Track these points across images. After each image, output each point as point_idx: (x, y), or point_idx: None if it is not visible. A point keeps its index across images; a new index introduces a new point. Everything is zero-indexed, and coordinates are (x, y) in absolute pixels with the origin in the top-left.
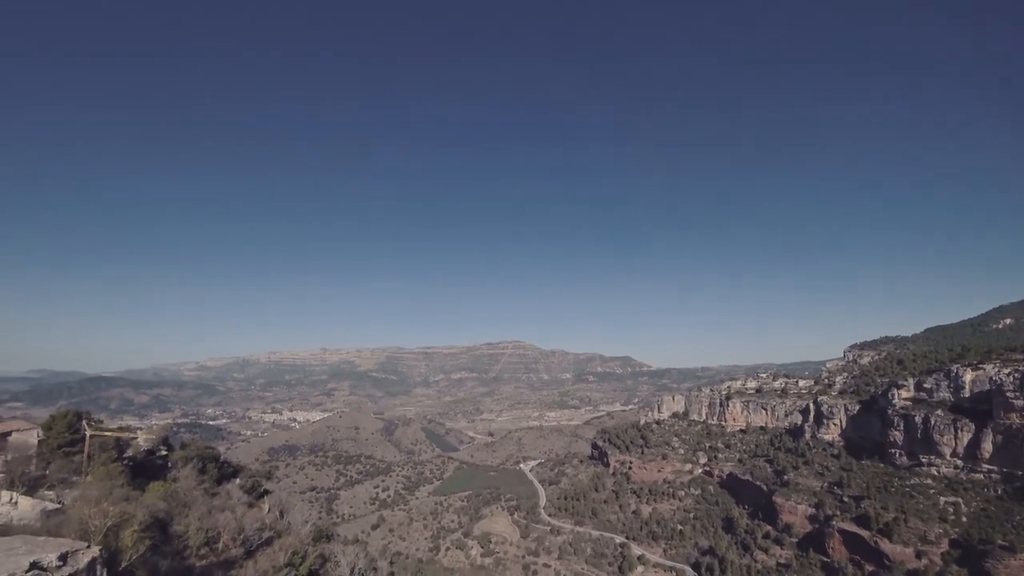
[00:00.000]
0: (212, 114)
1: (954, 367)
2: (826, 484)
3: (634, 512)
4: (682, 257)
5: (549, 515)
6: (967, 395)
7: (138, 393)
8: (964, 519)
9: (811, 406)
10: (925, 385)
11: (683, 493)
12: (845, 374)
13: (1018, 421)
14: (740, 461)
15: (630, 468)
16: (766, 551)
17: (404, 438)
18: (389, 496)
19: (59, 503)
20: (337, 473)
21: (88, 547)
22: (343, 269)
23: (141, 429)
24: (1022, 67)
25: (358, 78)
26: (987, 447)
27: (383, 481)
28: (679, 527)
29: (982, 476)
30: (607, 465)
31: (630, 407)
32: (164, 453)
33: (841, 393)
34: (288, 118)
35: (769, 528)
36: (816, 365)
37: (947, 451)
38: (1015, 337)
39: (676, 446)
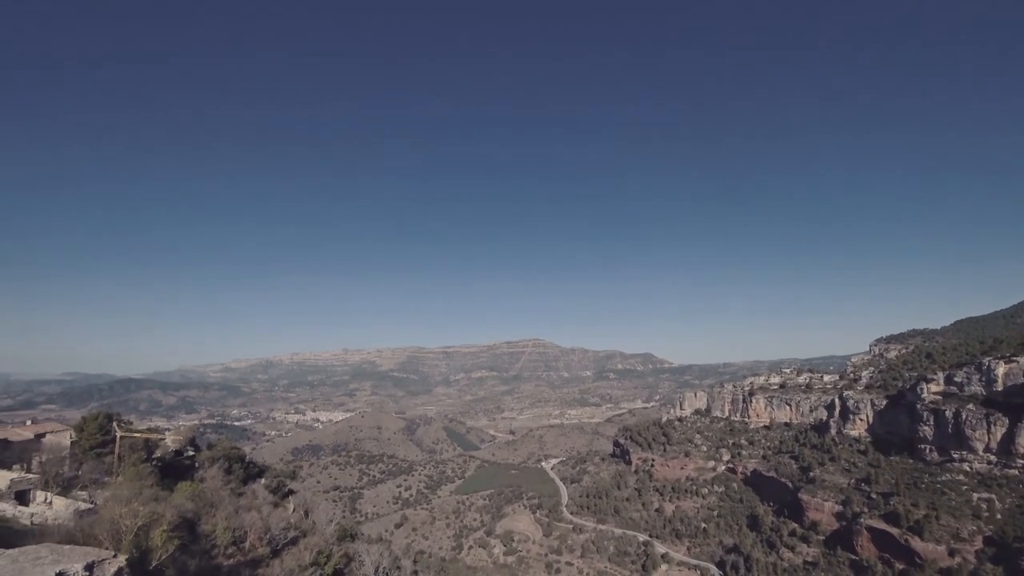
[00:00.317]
0: (237, 117)
1: (986, 360)
2: (853, 481)
3: (657, 510)
4: (703, 253)
5: (571, 513)
6: (1000, 388)
7: (166, 395)
8: (999, 516)
9: (836, 401)
10: (955, 379)
11: (706, 491)
12: (871, 368)
13: None
14: (764, 458)
15: (652, 466)
16: (792, 549)
17: (426, 437)
18: (412, 495)
19: (92, 503)
20: (360, 472)
21: (115, 556)
22: (364, 270)
23: (169, 430)
24: None
25: (359, 78)
26: (1022, 442)
27: (405, 480)
28: (703, 525)
29: (1017, 472)
30: (629, 463)
31: (651, 404)
32: (191, 454)
33: (867, 388)
34: (308, 120)
35: (795, 526)
36: (841, 360)
37: (980, 446)
38: None
39: (699, 443)
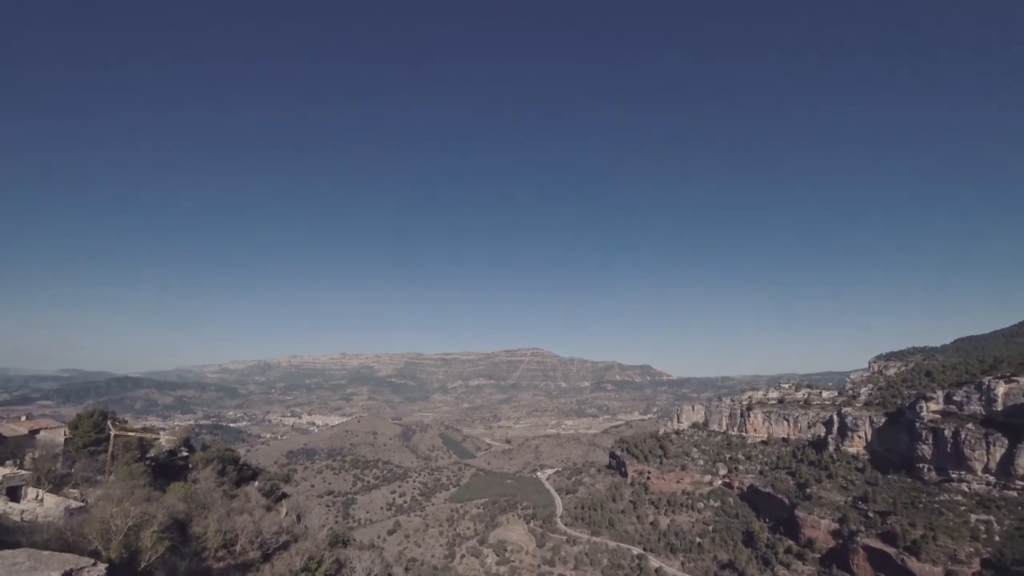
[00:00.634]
0: (238, 119)
1: (986, 379)
2: (850, 498)
3: (652, 523)
4: (704, 265)
5: (566, 524)
6: (1000, 408)
7: (162, 394)
8: (997, 538)
9: (835, 418)
10: (955, 398)
11: (702, 505)
12: (870, 385)
13: None
14: (761, 473)
15: (648, 478)
16: (788, 566)
17: (421, 444)
18: (406, 502)
19: (83, 502)
20: (354, 478)
21: (94, 564)
22: (364, 275)
23: (164, 430)
24: None
25: (359, 82)
26: (1022, 463)
27: (400, 487)
28: (698, 540)
29: (1016, 493)
30: (625, 475)
31: (649, 416)
32: (185, 454)
33: (866, 405)
34: (310, 124)
35: (791, 543)
36: (840, 376)
37: (979, 467)
38: None
39: (695, 457)
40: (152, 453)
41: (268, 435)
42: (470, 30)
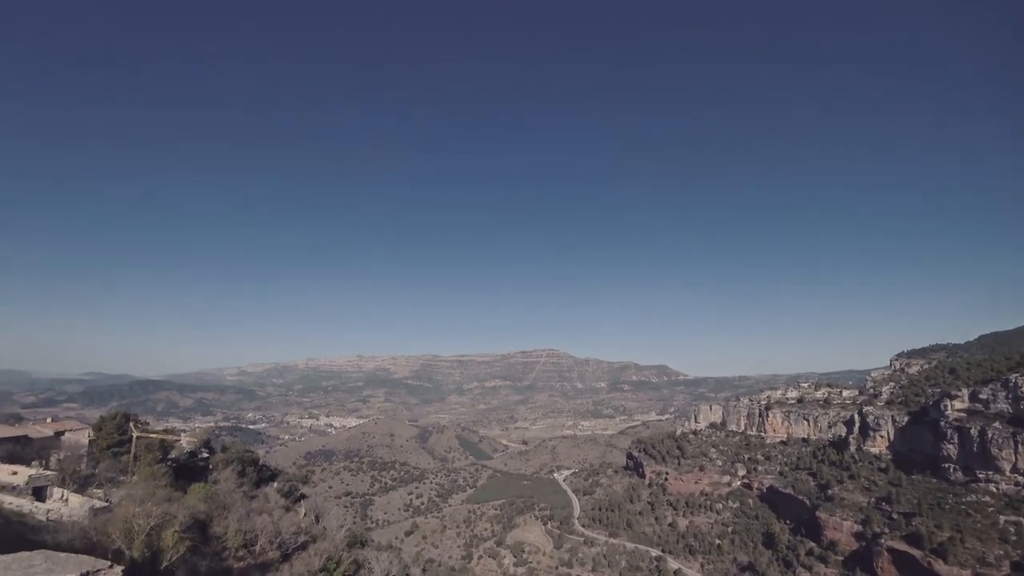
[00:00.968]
0: (257, 119)
1: (1012, 376)
2: (873, 500)
3: (670, 525)
4: (720, 264)
5: (583, 526)
6: None
7: (183, 396)
8: None
9: (856, 417)
10: (981, 396)
11: (721, 506)
12: (892, 384)
13: None
14: (781, 474)
15: (666, 479)
16: (810, 569)
17: (438, 445)
18: (423, 503)
19: (107, 502)
20: (372, 479)
21: (111, 567)
22: (379, 278)
23: (185, 432)
24: None
25: (369, 85)
26: None
27: (417, 488)
28: (717, 541)
29: None
30: (642, 476)
31: (666, 417)
32: (206, 455)
33: (888, 404)
34: (325, 126)
35: (812, 545)
36: (860, 374)
37: (1007, 466)
38: None
39: (714, 457)
40: (173, 454)
41: (286, 437)
42: (478, 30)
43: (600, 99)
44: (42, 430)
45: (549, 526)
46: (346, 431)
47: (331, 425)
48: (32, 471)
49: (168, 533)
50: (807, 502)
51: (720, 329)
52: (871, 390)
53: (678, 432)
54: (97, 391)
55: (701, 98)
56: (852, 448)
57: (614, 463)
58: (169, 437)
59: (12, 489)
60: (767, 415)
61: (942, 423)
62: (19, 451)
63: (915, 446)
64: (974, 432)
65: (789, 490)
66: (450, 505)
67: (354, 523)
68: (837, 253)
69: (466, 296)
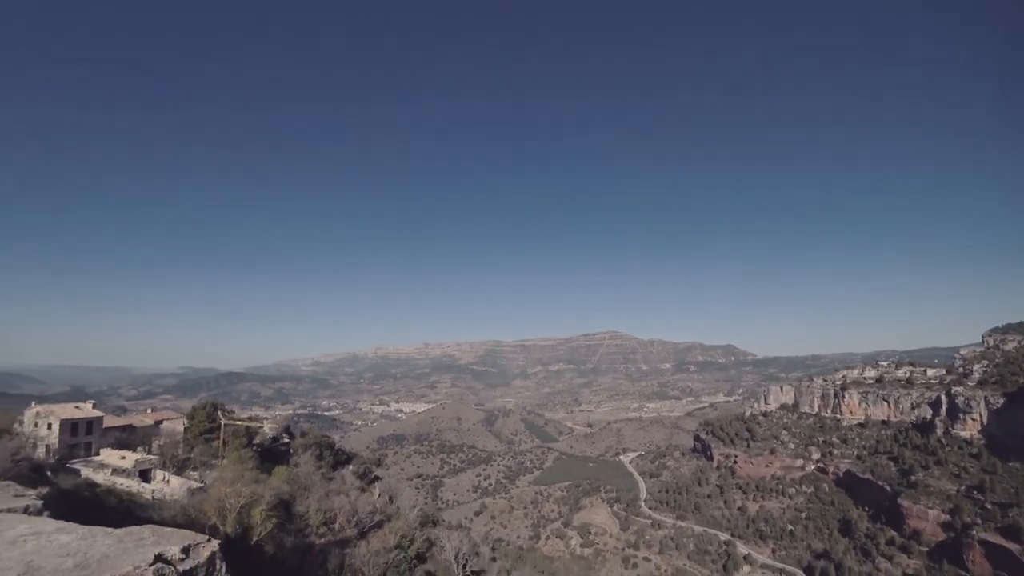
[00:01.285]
0: (328, 120)
1: None
2: (963, 488)
3: (739, 509)
4: (787, 239)
5: (649, 508)
6: None
7: (263, 387)
8: None
9: (943, 398)
10: None
11: (793, 491)
12: (985, 362)
13: None
14: (859, 458)
15: (735, 462)
16: (890, 559)
17: (504, 429)
18: (491, 484)
19: (201, 483)
20: (441, 461)
21: (208, 540)
22: (444, 267)
23: (267, 419)
24: None
25: (398, 80)
26: None
27: (485, 470)
28: (789, 527)
29: None
30: (710, 458)
31: (734, 398)
32: (286, 441)
33: (981, 384)
34: (389, 121)
35: (893, 534)
36: (946, 352)
37: None
38: None
39: (785, 440)
40: (257, 440)
41: (359, 422)
42: (506, 27)
43: (679, 82)
44: (144, 420)
45: (615, 508)
46: (415, 416)
47: (401, 410)
48: (137, 456)
49: (257, 511)
50: (888, 488)
51: (790, 307)
52: (960, 369)
53: (747, 414)
54: (188, 383)
55: (768, 81)
56: (939, 431)
57: (681, 445)
58: (253, 424)
59: (123, 472)
60: (843, 396)
61: None
62: (126, 438)
63: (1013, 430)
64: None
65: (868, 475)
66: (517, 487)
67: (425, 503)
68: (921, 221)
69: (528, 281)
